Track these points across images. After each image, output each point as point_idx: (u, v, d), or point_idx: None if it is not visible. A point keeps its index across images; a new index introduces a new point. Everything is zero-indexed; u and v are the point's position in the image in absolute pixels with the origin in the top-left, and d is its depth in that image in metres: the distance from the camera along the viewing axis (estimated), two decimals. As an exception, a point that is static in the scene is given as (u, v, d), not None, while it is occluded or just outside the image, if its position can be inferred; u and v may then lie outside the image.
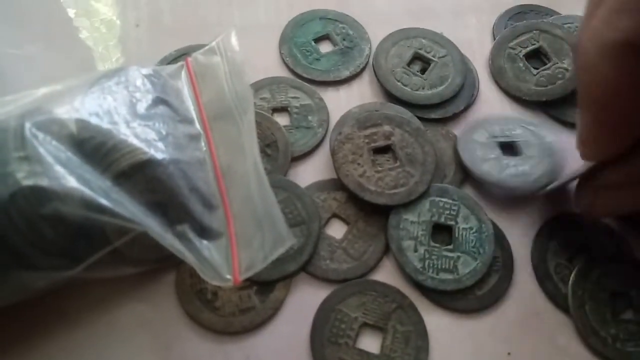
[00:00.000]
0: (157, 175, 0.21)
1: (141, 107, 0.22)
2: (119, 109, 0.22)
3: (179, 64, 0.26)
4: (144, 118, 0.22)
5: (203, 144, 0.23)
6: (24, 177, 0.18)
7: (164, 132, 0.22)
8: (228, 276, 0.20)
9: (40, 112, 0.20)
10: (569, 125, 0.28)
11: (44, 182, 0.18)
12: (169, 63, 0.28)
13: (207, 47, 0.26)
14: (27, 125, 0.19)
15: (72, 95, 0.21)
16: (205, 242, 0.21)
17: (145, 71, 0.24)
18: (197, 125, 0.24)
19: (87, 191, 0.19)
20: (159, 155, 0.21)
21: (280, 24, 0.30)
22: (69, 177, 0.19)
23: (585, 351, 0.23)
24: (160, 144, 0.21)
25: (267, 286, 0.23)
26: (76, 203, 0.18)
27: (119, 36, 0.30)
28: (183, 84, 0.25)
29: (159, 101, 0.23)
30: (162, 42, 0.30)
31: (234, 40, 0.25)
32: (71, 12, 0.31)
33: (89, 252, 0.20)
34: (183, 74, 0.26)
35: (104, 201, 0.19)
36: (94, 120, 0.21)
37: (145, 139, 0.21)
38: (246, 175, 0.22)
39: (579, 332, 0.23)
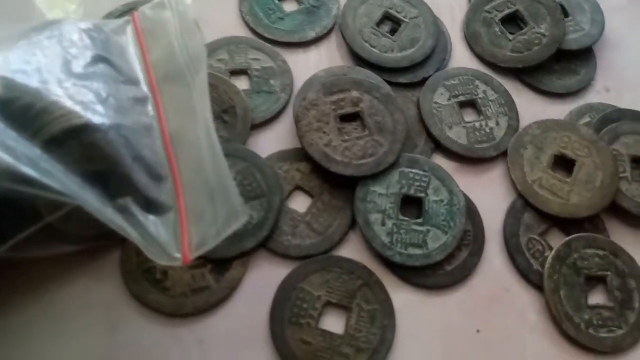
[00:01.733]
0: (95, 141, 0.18)
1: (77, 65, 0.20)
2: (51, 67, 0.19)
3: (124, 18, 0.23)
4: (80, 77, 0.19)
5: (150, 107, 0.21)
6: None
7: (103, 94, 0.19)
8: (177, 254, 0.18)
9: (-46, 68, 0.17)
10: (544, 93, 0.27)
11: (-44, 148, 0.16)
12: (115, 17, 0.26)
13: (156, 1, 0.23)
14: (-63, 82, 0.17)
15: (-6, 49, 0.18)
16: (151, 217, 0.19)
17: (83, 25, 0.21)
18: (144, 87, 0.22)
19: (10, 160, 0.16)
20: (97, 119, 0.18)
21: (241, -22, 0.28)
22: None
23: (556, 328, 0.22)
24: (98, 107, 0.19)
25: (223, 264, 0.21)
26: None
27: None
28: (128, 41, 0.22)
29: (98, 59, 0.20)
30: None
31: (185, -8, 0.22)
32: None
33: (16, 229, 0.17)
34: (129, 30, 0.23)
35: (30, 171, 0.16)
36: (20, 78, 0.18)
37: (81, 100, 0.19)
38: (198, 143, 0.19)
39: (553, 317, 0.22)
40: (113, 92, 0.20)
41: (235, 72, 0.25)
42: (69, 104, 0.18)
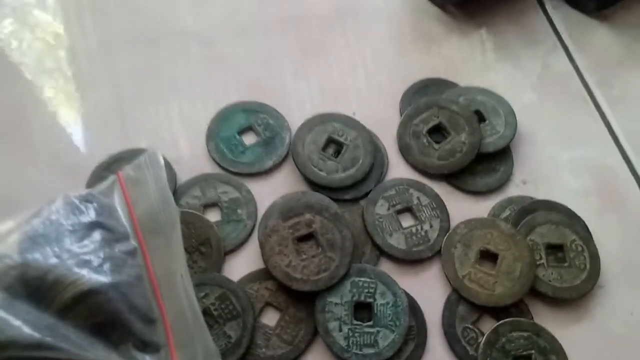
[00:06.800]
0: (99, 302, 0.23)
1: (77, 236, 0.24)
2: (56, 241, 0.24)
3: (111, 179, 0.28)
4: (81, 246, 0.24)
5: (139, 257, 0.26)
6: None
7: (102, 255, 0.24)
8: (170, 387, 0.23)
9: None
10: (470, 192, 0.32)
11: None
12: (102, 169, 0.31)
13: (135, 162, 0.28)
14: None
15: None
16: (147, 357, 0.23)
17: (75, 196, 0.26)
18: (132, 240, 0.26)
19: (33, 333, 0.21)
20: (99, 283, 0.23)
21: (207, 118, 0.33)
22: (15, 322, 0.21)
23: (491, 404, 0.26)
24: (99, 270, 0.24)
25: (210, 380, 0.26)
26: (21, 347, 0.21)
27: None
28: (115, 200, 0.27)
29: (94, 225, 0.25)
30: (95, 144, 0.32)
31: (159, 157, 0.27)
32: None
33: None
34: (116, 190, 0.28)
35: (51, 340, 0.21)
36: (36, 257, 0.23)
37: (84, 267, 0.23)
38: (177, 288, 0.24)
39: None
40: (108, 254, 0.25)
41: (208, 206, 0.30)
42: (74, 272, 0.23)
